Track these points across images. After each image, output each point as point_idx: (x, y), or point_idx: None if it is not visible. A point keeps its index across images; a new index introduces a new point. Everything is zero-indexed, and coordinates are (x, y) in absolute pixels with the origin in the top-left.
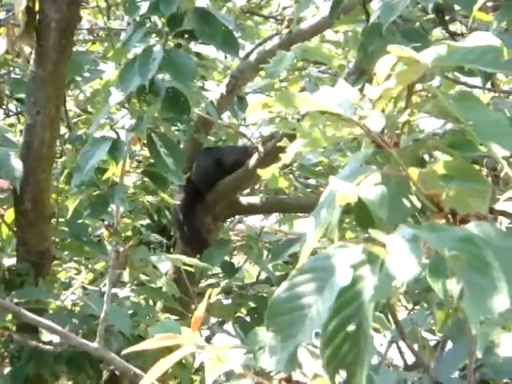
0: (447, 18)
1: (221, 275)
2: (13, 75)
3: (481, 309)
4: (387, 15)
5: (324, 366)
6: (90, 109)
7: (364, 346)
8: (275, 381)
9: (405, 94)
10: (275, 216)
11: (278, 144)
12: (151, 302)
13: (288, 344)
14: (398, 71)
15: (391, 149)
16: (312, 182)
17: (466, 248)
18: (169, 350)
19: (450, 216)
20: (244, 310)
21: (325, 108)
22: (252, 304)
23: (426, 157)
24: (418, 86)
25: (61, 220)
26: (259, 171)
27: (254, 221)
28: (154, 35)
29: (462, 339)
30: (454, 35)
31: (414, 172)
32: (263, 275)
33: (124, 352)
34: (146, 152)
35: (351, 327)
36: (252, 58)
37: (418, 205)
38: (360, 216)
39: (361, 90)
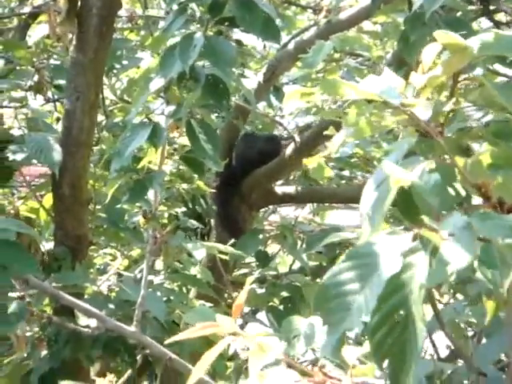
0: (492, 7)
1: (254, 264)
2: (51, 61)
3: None
4: (430, 3)
5: (372, 352)
6: (125, 97)
7: (413, 333)
8: (315, 368)
9: (450, 83)
10: (309, 206)
11: (324, 132)
12: (184, 290)
13: (336, 329)
14: (443, 59)
15: (437, 137)
16: (346, 173)
17: None
18: (204, 336)
19: (497, 205)
20: (276, 300)
21: (372, 96)
22: (285, 293)
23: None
24: (463, 76)
25: (98, 206)
26: (305, 161)
27: (288, 211)
28: (194, 23)
29: (497, 332)
30: (498, 25)
31: (460, 161)
32: (296, 265)
33: (167, 341)
34: (182, 139)
35: (400, 315)
36: (290, 47)
37: (463, 194)
38: (405, 205)
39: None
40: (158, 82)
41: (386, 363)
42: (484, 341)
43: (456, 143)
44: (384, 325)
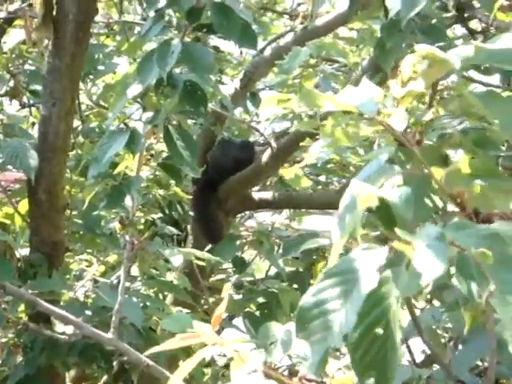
0: (467, 15)
1: (230, 270)
2: (26, 66)
3: None
4: (407, 11)
5: (354, 366)
6: (101, 102)
7: (393, 346)
8: (295, 378)
9: (429, 92)
10: (286, 212)
11: (301, 144)
12: (160, 296)
13: (318, 348)
14: (423, 70)
15: (414, 147)
16: (322, 178)
17: (494, 245)
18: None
19: (473, 215)
20: (253, 306)
21: (348, 108)
22: (262, 299)
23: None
24: (441, 85)
25: (74, 212)
26: (282, 171)
27: (265, 217)
28: (171, 29)
29: (474, 338)
30: (473, 33)
31: (437, 171)
32: (272, 271)
33: (148, 352)
34: (159, 145)
35: (379, 329)
36: (266, 53)
37: (440, 204)
38: (382, 215)
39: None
40: (135, 88)
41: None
42: (461, 347)
43: (434, 152)
44: (364, 339)
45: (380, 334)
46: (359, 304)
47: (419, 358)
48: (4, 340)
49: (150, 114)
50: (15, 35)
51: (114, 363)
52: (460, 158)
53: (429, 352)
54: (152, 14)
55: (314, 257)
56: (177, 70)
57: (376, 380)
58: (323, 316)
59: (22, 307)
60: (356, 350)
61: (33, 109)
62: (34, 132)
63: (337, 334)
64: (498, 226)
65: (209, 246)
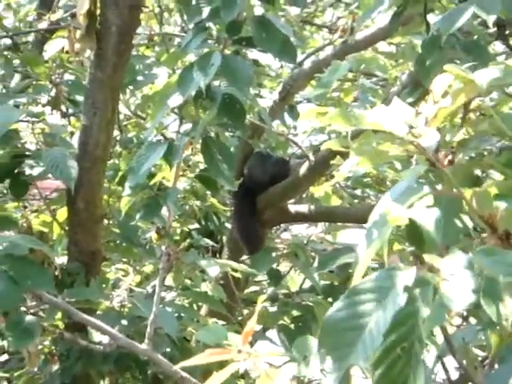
0: (508, 32)
1: (265, 282)
2: (66, 76)
3: None
4: (447, 27)
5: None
6: (139, 112)
7: (416, 366)
8: None
9: (461, 112)
10: (321, 225)
11: (332, 162)
12: (195, 306)
13: (340, 364)
14: (454, 89)
15: (445, 167)
16: (358, 192)
17: None
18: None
19: (504, 237)
20: (287, 319)
21: (378, 127)
22: (297, 312)
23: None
24: (475, 103)
25: (111, 221)
26: (312, 189)
27: (300, 229)
28: (211, 41)
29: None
30: None
31: (467, 191)
32: (306, 284)
33: (179, 365)
34: (196, 157)
35: (403, 348)
36: (306, 66)
37: (470, 224)
38: (411, 234)
39: (415, 103)
40: (175, 100)
41: None
42: (496, 366)
43: (465, 173)
44: (387, 358)
45: (404, 353)
46: (385, 324)
47: (454, 375)
48: (40, 347)
49: (188, 126)
50: (56, 44)
51: (148, 372)
52: (491, 179)
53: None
54: (192, 25)
55: (350, 271)
56: (216, 83)
57: None
58: (348, 332)
59: (58, 315)
60: (378, 367)
61: (72, 118)
62: (73, 141)
63: (361, 352)
64: None
65: (244, 257)
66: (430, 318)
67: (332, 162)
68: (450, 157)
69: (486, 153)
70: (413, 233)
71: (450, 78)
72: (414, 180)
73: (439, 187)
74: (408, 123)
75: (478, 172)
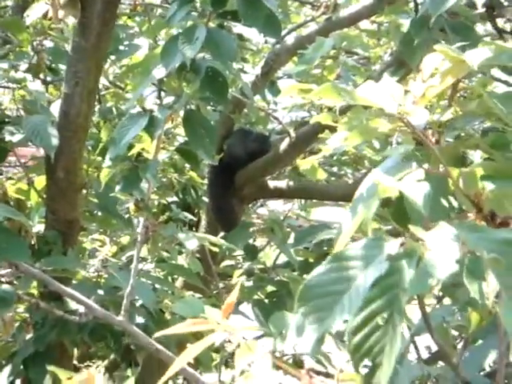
0: (495, 13)
1: (240, 257)
2: (46, 42)
3: None
4: (436, 8)
5: (350, 352)
6: (118, 82)
7: (393, 338)
8: (303, 370)
9: (449, 92)
10: (297, 201)
11: (320, 136)
12: (170, 279)
13: (316, 328)
14: (443, 69)
15: (432, 146)
16: (335, 169)
17: (507, 251)
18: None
19: (489, 217)
20: (262, 294)
21: (369, 103)
22: (272, 288)
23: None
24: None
25: (89, 191)
26: (298, 162)
27: (276, 205)
28: (195, 14)
29: (488, 338)
30: (501, 32)
31: (454, 171)
32: (281, 259)
33: (158, 334)
34: (175, 130)
35: (382, 318)
36: (289, 42)
37: (456, 204)
38: (396, 211)
39: (399, 81)
40: (159, 72)
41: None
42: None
43: (452, 152)
44: (365, 326)
45: (382, 324)
46: (364, 290)
47: (424, 354)
48: (8, 315)
49: (170, 99)
50: (38, 10)
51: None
52: (477, 160)
53: (433, 349)
54: None
55: (325, 248)
56: (199, 56)
57: (371, 370)
58: (326, 297)
59: (33, 284)
60: (354, 335)
61: (50, 86)
62: (51, 109)
63: (337, 317)
64: None
65: (221, 233)
66: (413, 285)
67: (320, 135)
68: (436, 136)
69: (471, 133)
70: (398, 211)
71: (439, 57)
72: (402, 157)
73: (426, 166)
74: (397, 100)
75: (463, 152)
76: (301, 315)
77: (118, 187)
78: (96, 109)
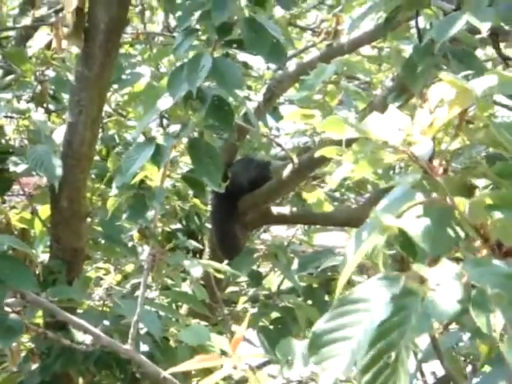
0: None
1: (244, 283)
2: (48, 72)
3: None
4: (442, 35)
5: None
6: (120, 110)
7: (402, 375)
8: None
9: (456, 121)
10: (300, 227)
11: (324, 170)
12: (174, 306)
13: (329, 375)
14: (450, 98)
15: (438, 176)
16: (338, 194)
17: (510, 285)
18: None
19: (495, 247)
20: (266, 320)
21: (373, 136)
22: (276, 314)
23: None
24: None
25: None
26: (305, 195)
27: (279, 230)
28: (200, 42)
29: (497, 365)
30: (506, 59)
31: (460, 201)
32: (285, 285)
33: (170, 371)
34: (181, 158)
35: (390, 357)
36: (290, 68)
37: (463, 234)
38: (403, 241)
39: (401, 107)
40: (166, 102)
41: None
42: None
43: (458, 182)
44: (374, 366)
45: (390, 362)
46: (372, 333)
47: (429, 380)
48: (15, 344)
49: (175, 127)
50: (41, 40)
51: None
52: (484, 189)
53: (439, 375)
54: (177, 24)
55: (329, 273)
56: (205, 85)
57: None
58: (335, 343)
59: (39, 313)
60: (364, 374)
61: (52, 114)
62: (53, 138)
63: (348, 362)
64: None
65: (226, 261)
66: (414, 328)
67: (324, 169)
68: (443, 165)
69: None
70: (404, 240)
71: (445, 86)
72: (409, 187)
73: (433, 195)
74: (403, 131)
75: (471, 182)
76: (313, 364)
77: (124, 215)
78: (99, 136)
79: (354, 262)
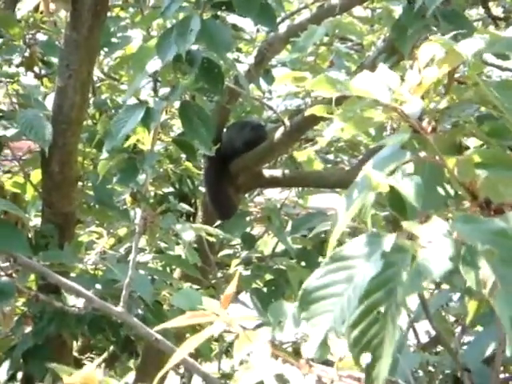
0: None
1: (238, 246)
2: (39, 36)
3: None
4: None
5: (350, 346)
6: (112, 74)
7: (391, 330)
8: (303, 360)
9: (445, 80)
10: (294, 189)
11: (315, 128)
12: (168, 269)
13: (318, 330)
14: (439, 58)
15: (428, 135)
16: (331, 156)
17: (500, 241)
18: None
19: (484, 205)
20: (260, 282)
21: (364, 94)
22: (270, 276)
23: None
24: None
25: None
26: (296, 153)
27: (273, 193)
28: (189, 5)
29: (489, 325)
30: (495, 19)
31: (450, 159)
32: (279, 247)
33: (157, 328)
34: (171, 121)
35: (380, 311)
36: (281, 30)
37: (452, 192)
38: (393, 200)
39: (392, 68)
40: (154, 65)
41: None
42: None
43: (448, 141)
44: (363, 321)
45: (380, 317)
46: (362, 290)
47: (423, 339)
48: (8, 308)
49: (165, 90)
50: (29, 3)
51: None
52: (473, 147)
53: (432, 334)
54: None
55: (322, 235)
56: (194, 47)
57: (371, 362)
58: (325, 299)
59: (31, 277)
60: (353, 329)
61: (44, 79)
62: (46, 103)
63: (337, 318)
64: (507, 218)
65: (218, 222)
66: (406, 286)
67: (315, 127)
68: (433, 124)
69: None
70: (394, 199)
71: (435, 47)
72: (398, 146)
73: (422, 154)
74: (393, 90)
75: (460, 140)
76: (303, 320)
77: (115, 179)
78: (91, 101)
79: (345, 220)
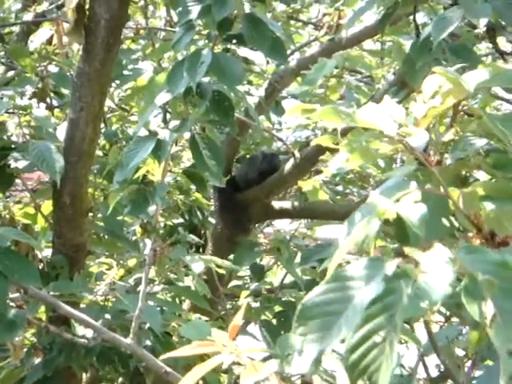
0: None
1: (247, 277)
2: (50, 68)
3: (510, 337)
4: (439, 33)
5: (347, 370)
6: (123, 105)
7: (390, 356)
8: None
9: (450, 113)
10: (303, 220)
11: (320, 157)
12: (177, 300)
13: (314, 347)
14: (443, 90)
15: (433, 167)
16: (340, 188)
17: (500, 273)
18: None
19: (489, 237)
20: (269, 314)
21: (369, 125)
22: (278, 307)
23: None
24: (464, 104)
25: (96, 215)
26: (300, 183)
27: (282, 224)
28: (201, 38)
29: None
30: (503, 54)
31: (454, 191)
32: (288, 278)
33: (162, 357)
34: (182, 153)
35: (379, 337)
36: (292, 63)
37: (457, 224)
38: (398, 229)
39: (401, 101)
40: (164, 97)
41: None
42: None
43: (453, 173)
44: (362, 345)
45: (379, 343)
46: (362, 310)
47: (433, 372)
48: (17, 339)
49: (176, 122)
50: (42, 36)
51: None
52: (478, 180)
53: (443, 368)
54: (179, 19)
55: None
56: (205, 79)
57: None
58: (324, 317)
59: (42, 308)
60: (352, 353)
61: (56, 110)
62: (57, 134)
63: (335, 336)
64: (511, 251)
65: (227, 253)
66: (405, 309)
67: (321, 157)
68: (438, 157)
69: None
70: (398, 228)
71: (440, 79)
72: (403, 178)
73: (428, 186)
74: (398, 122)
75: (465, 173)
76: (299, 335)
77: (126, 210)
78: (101, 131)
79: (346, 245)
